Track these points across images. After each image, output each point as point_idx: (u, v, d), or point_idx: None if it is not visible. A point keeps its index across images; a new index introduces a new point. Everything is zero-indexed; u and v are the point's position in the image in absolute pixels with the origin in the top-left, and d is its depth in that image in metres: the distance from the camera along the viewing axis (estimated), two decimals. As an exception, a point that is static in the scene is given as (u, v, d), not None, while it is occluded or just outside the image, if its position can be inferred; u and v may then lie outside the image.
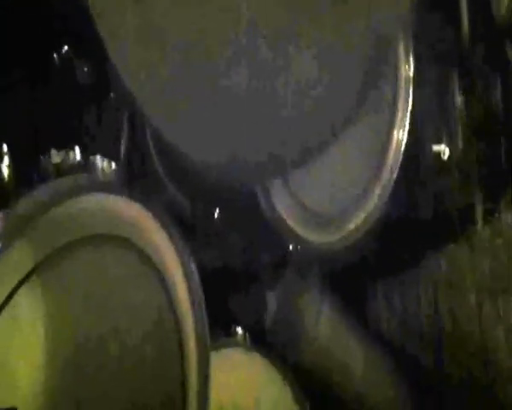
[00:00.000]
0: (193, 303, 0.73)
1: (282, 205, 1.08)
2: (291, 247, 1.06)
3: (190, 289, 0.72)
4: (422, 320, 1.26)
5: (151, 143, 0.96)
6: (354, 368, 1.17)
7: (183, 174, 1.00)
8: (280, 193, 1.08)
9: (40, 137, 0.65)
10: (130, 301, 0.62)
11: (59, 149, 0.58)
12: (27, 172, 0.60)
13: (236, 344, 1.05)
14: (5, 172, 0.60)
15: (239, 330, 1.06)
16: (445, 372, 1.20)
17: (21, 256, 0.49)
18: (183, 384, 0.75)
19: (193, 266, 0.69)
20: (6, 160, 0.61)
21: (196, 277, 0.73)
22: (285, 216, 1.05)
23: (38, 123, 0.67)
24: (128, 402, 0.64)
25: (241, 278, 1.12)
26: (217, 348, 0.99)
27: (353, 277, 1.16)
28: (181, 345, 0.74)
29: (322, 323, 1.14)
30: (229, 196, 1.01)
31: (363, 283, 1.21)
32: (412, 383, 1.19)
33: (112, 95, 0.79)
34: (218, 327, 1.00)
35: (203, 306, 0.75)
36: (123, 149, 0.78)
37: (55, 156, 0.57)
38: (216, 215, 1.09)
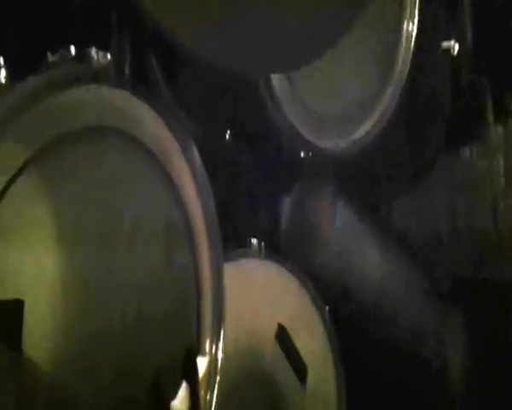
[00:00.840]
0: (203, 206, 0.72)
1: (293, 114, 1.06)
2: (303, 154, 1.04)
3: (199, 191, 0.71)
4: (439, 223, 1.25)
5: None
6: (370, 272, 1.17)
7: (192, 95, 0.98)
8: (290, 102, 1.06)
9: (34, 42, 0.63)
10: (135, 201, 0.60)
11: (54, 51, 0.56)
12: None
13: (251, 255, 1.05)
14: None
15: (254, 241, 1.06)
16: (463, 274, 1.20)
17: (16, 146, 0.47)
18: (198, 292, 0.74)
19: (202, 168, 0.68)
20: (3, 72, 0.59)
21: (206, 179, 0.71)
22: (296, 124, 1.03)
23: (31, 29, 0.65)
24: (137, 309, 0.63)
25: (254, 188, 1.11)
26: (232, 259, 1.00)
27: (367, 181, 1.14)
28: (193, 252, 0.73)
29: (337, 227, 1.14)
30: (239, 113, 1.00)
31: (378, 187, 1.20)
32: (429, 287, 1.19)
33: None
34: (233, 239, 0.99)
35: (214, 209, 0.74)
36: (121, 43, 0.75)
37: (51, 58, 0.55)
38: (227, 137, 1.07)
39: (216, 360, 0.74)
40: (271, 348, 1.07)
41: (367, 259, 1.18)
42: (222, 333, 0.76)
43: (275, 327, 1.07)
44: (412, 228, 1.20)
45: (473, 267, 1.19)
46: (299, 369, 1.09)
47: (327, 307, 1.11)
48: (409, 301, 1.19)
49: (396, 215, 1.21)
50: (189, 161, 0.66)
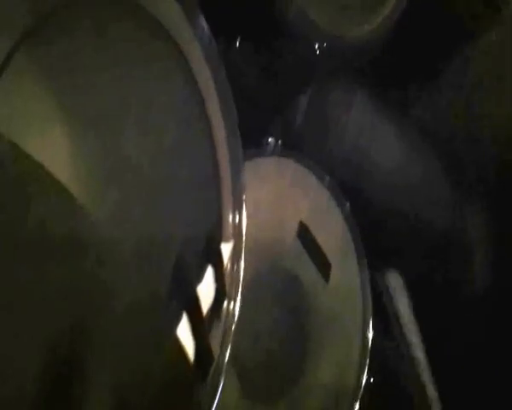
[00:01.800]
0: (219, 95, 0.69)
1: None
2: (317, 45, 1.01)
3: (216, 79, 0.68)
4: (458, 114, 1.21)
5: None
6: (389, 164, 1.16)
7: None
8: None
9: None
10: (143, 85, 0.58)
11: None
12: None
13: (268, 154, 1.03)
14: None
15: (270, 139, 1.04)
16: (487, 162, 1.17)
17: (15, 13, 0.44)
18: (216, 180, 0.73)
19: (213, 41, 0.65)
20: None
21: (222, 67, 0.69)
22: (307, 11, 0.99)
23: None
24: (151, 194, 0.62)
25: (269, 87, 1.09)
26: (249, 159, 0.98)
27: (384, 71, 1.11)
28: (210, 142, 0.71)
29: (355, 117, 1.12)
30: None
31: (397, 78, 1.16)
32: (455, 181, 1.17)
33: None
34: (249, 139, 0.97)
35: (232, 100, 0.71)
36: None
37: None
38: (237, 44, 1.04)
39: (240, 246, 0.74)
40: (293, 247, 1.07)
41: (386, 151, 1.16)
42: (243, 223, 0.75)
43: (296, 225, 1.06)
44: (432, 120, 1.17)
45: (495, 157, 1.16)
46: (322, 266, 1.09)
47: (347, 203, 1.10)
48: (430, 193, 1.18)
49: (416, 107, 1.18)
50: (201, 39, 0.63)
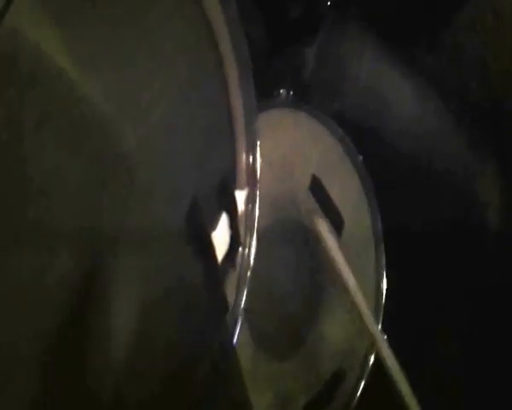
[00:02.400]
0: (233, 41, 0.67)
1: None
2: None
3: (229, 23, 0.66)
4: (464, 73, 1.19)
5: None
6: (403, 114, 1.13)
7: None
8: None
9: None
10: (156, 21, 0.56)
11: None
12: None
13: (280, 105, 1.01)
14: None
15: (281, 91, 1.02)
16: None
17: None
18: (230, 126, 0.71)
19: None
20: None
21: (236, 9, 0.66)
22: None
23: None
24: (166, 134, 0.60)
25: (278, 38, 1.07)
26: (260, 110, 0.96)
27: (395, 19, 1.09)
28: (224, 86, 0.69)
29: (366, 66, 1.09)
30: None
31: (410, 24, 1.13)
32: (468, 129, 1.15)
33: None
34: (260, 90, 0.95)
35: (246, 47, 0.69)
36: None
37: None
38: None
39: (254, 196, 0.72)
40: (306, 201, 1.05)
41: (398, 99, 1.14)
42: (258, 171, 0.73)
43: (308, 179, 1.05)
44: (444, 67, 1.15)
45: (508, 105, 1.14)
46: (335, 221, 1.08)
47: (360, 156, 1.08)
48: (443, 140, 1.16)
49: (428, 54, 1.15)
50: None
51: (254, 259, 0.74)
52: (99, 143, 0.49)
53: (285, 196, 1.01)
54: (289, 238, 1.02)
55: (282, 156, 0.99)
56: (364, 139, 1.07)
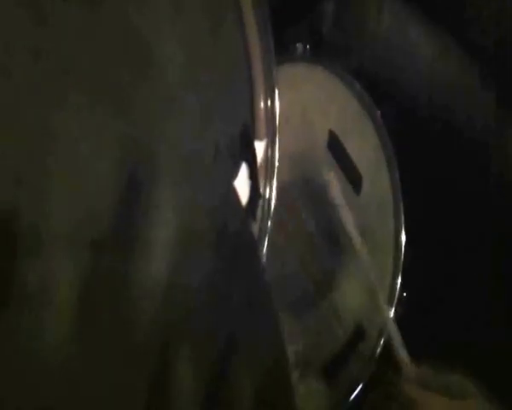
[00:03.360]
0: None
1: None
2: None
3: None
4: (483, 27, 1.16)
5: None
6: (422, 67, 1.12)
7: None
8: None
9: None
10: None
11: None
12: None
13: (297, 60, 1.00)
14: None
15: (298, 45, 1.01)
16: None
17: None
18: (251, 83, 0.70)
19: None
20: None
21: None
22: None
23: None
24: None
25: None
26: (278, 64, 0.95)
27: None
28: (242, 34, 0.68)
29: (383, 18, 1.07)
30: None
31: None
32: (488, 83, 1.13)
33: None
34: (276, 44, 0.94)
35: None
36: None
37: None
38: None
39: (273, 147, 0.72)
40: (323, 157, 1.04)
41: (419, 54, 1.12)
42: (276, 121, 0.72)
43: (326, 135, 1.04)
44: (464, 21, 1.13)
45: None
46: (353, 177, 1.07)
47: (378, 111, 1.06)
48: (464, 96, 1.14)
49: (449, 9, 1.13)
50: None
51: (274, 212, 0.73)
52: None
53: (303, 153, 1.01)
54: (308, 198, 1.01)
55: (299, 112, 0.98)
56: (382, 94, 1.05)
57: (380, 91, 1.05)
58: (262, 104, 0.70)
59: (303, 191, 1.00)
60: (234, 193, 0.60)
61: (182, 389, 0.48)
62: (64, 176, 0.42)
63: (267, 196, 0.72)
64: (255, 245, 0.64)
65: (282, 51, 0.98)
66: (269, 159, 0.71)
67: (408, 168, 1.08)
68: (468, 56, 1.11)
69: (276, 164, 0.71)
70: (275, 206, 0.74)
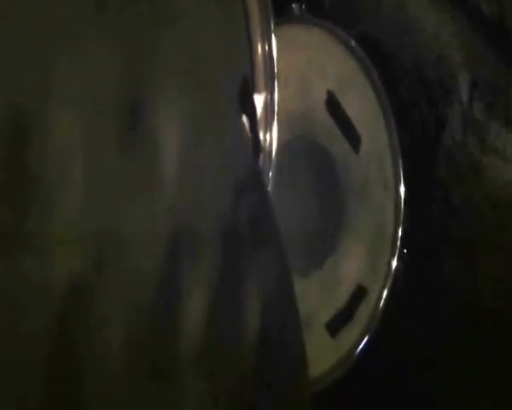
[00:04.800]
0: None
1: None
2: None
3: None
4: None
5: None
6: (422, 31, 1.12)
7: None
8: None
9: None
10: None
11: None
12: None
13: (294, 21, 1.01)
14: None
15: (294, 6, 1.01)
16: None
17: None
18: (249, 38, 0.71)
19: None
20: None
21: None
22: None
23: None
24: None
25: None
26: (277, 25, 0.96)
27: None
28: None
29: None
30: None
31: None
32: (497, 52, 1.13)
33: None
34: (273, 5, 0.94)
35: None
36: None
37: None
38: None
39: (272, 101, 0.73)
40: (322, 117, 1.05)
41: (421, 25, 1.12)
42: (275, 76, 0.73)
43: (324, 94, 1.05)
44: None
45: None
46: (352, 137, 1.08)
47: (375, 71, 1.07)
48: (466, 69, 1.14)
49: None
50: None
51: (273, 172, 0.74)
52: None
53: (302, 115, 1.02)
54: (308, 158, 1.03)
55: (296, 73, 0.99)
56: (385, 55, 1.06)
57: (383, 53, 1.05)
58: (260, 57, 0.71)
59: (302, 150, 1.02)
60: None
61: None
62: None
63: (267, 150, 0.73)
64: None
65: (278, 11, 0.98)
66: (268, 112, 0.72)
67: (407, 129, 1.09)
68: (473, 29, 1.11)
69: (276, 117, 0.72)
70: (275, 164, 0.75)
